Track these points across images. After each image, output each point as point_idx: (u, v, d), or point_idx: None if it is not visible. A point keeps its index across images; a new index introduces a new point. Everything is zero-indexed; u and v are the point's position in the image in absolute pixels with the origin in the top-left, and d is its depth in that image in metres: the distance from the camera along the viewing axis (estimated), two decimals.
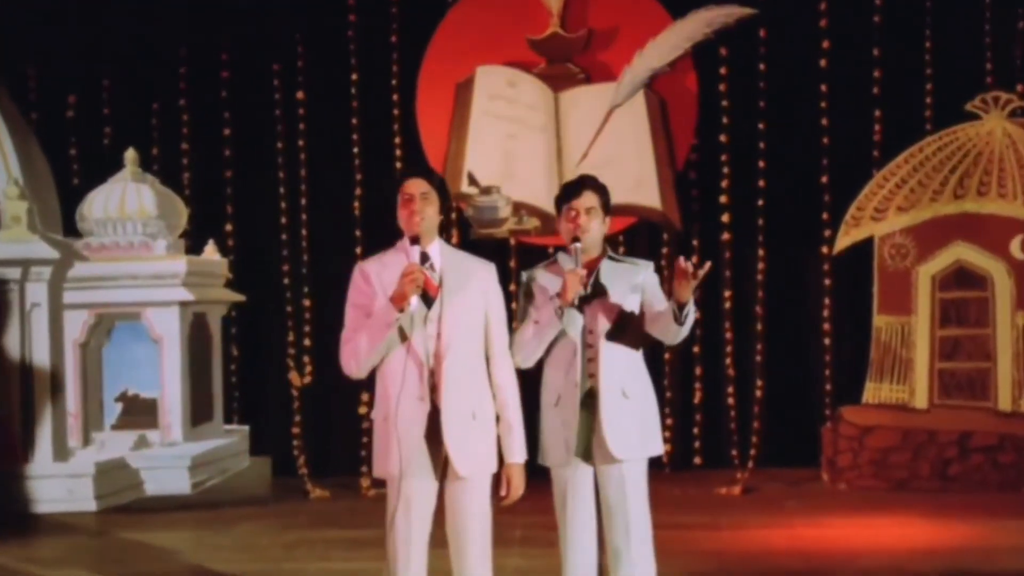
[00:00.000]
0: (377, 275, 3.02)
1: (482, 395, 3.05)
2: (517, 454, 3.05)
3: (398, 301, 2.92)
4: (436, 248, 3.06)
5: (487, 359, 3.07)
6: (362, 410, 6.99)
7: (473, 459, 2.99)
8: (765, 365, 7.33)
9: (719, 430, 7.43)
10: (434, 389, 2.97)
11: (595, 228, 3.24)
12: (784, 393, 7.36)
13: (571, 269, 3.15)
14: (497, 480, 3.05)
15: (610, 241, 3.42)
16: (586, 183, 3.29)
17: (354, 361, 3.01)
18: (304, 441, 7.22)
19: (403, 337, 2.97)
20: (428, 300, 2.98)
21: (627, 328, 3.23)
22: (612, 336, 3.20)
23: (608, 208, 3.30)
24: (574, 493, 3.21)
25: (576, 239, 3.18)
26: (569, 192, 3.28)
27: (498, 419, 3.07)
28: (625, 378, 3.21)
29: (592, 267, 3.24)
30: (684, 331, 3.15)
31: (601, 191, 3.29)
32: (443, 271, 3.05)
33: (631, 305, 3.23)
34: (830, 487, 6.75)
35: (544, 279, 3.26)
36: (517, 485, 3.04)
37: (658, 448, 3.29)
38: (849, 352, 7.28)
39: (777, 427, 7.27)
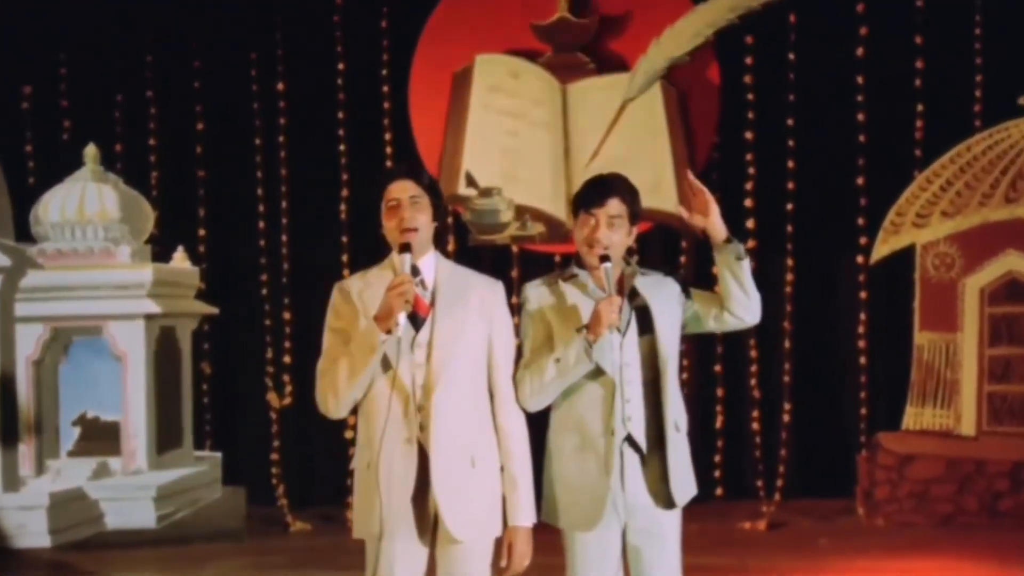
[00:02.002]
0: (359, 295, 2.80)
1: (483, 437, 2.79)
2: (524, 515, 2.79)
3: (384, 319, 2.68)
4: (430, 261, 2.84)
5: (491, 396, 2.83)
6: (348, 434, 6.89)
7: (471, 519, 2.73)
8: (793, 387, 7.28)
9: (743, 458, 7.38)
10: (423, 429, 2.72)
11: (618, 243, 2.98)
12: (815, 418, 7.30)
13: (603, 297, 2.88)
14: (499, 545, 2.78)
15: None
16: (614, 188, 3.00)
17: (332, 396, 2.76)
18: (283, 469, 7.20)
19: (387, 366, 2.73)
20: (417, 321, 2.75)
21: (670, 356, 2.98)
22: (658, 369, 2.95)
23: (636, 216, 3.03)
24: (598, 562, 2.91)
25: (605, 258, 2.91)
26: (591, 196, 3.00)
27: (503, 471, 2.80)
28: (670, 415, 2.96)
29: (622, 286, 2.98)
30: (751, 280, 2.96)
31: (630, 197, 3.01)
32: (437, 288, 2.81)
33: (676, 325, 3.00)
34: (866, 522, 6.71)
35: (562, 295, 2.97)
36: (523, 553, 2.77)
37: (694, 488, 3.05)
38: (887, 373, 7.25)
39: (807, 455, 7.23)
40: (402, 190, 2.81)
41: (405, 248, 2.76)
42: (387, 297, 2.69)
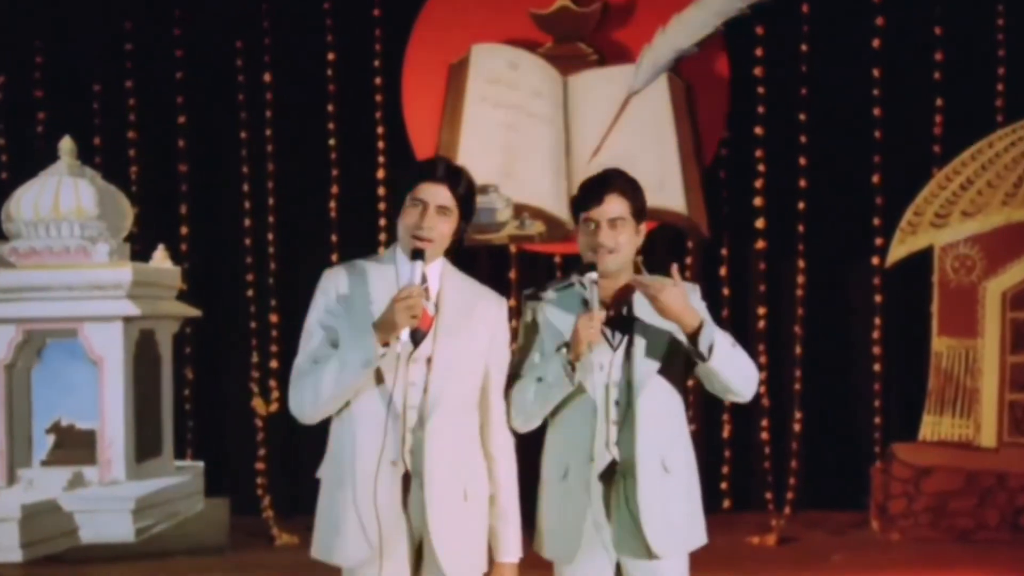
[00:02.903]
0: (353, 288, 2.66)
1: (476, 468, 2.68)
2: (511, 551, 2.70)
3: (385, 331, 2.54)
4: (436, 268, 2.70)
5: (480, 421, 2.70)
6: None
7: (462, 554, 2.61)
8: (804, 394, 7.23)
9: (751, 469, 7.35)
10: (413, 453, 2.59)
11: (624, 245, 2.83)
12: (827, 427, 7.27)
13: (584, 313, 2.73)
14: None
15: None
16: (609, 183, 2.85)
17: (309, 402, 2.62)
18: (269, 479, 7.18)
19: (377, 378, 2.60)
20: (416, 333, 2.61)
21: (669, 378, 2.83)
22: (650, 390, 2.80)
23: (642, 214, 2.88)
24: None
25: (591, 266, 2.76)
26: (587, 197, 2.85)
27: (490, 502, 2.69)
28: (665, 446, 2.80)
29: (620, 298, 2.84)
30: (732, 373, 2.75)
31: (632, 193, 2.87)
32: (441, 299, 2.68)
33: (674, 345, 2.81)
34: (880, 537, 6.68)
35: (554, 311, 2.84)
36: None
37: (702, 537, 2.89)
38: (903, 381, 7.20)
39: (818, 467, 7.20)
40: (433, 194, 2.65)
41: (418, 255, 2.61)
42: (393, 309, 2.54)
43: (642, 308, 2.83)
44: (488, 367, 2.72)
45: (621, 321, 2.83)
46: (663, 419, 2.81)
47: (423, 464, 2.60)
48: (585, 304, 2.79)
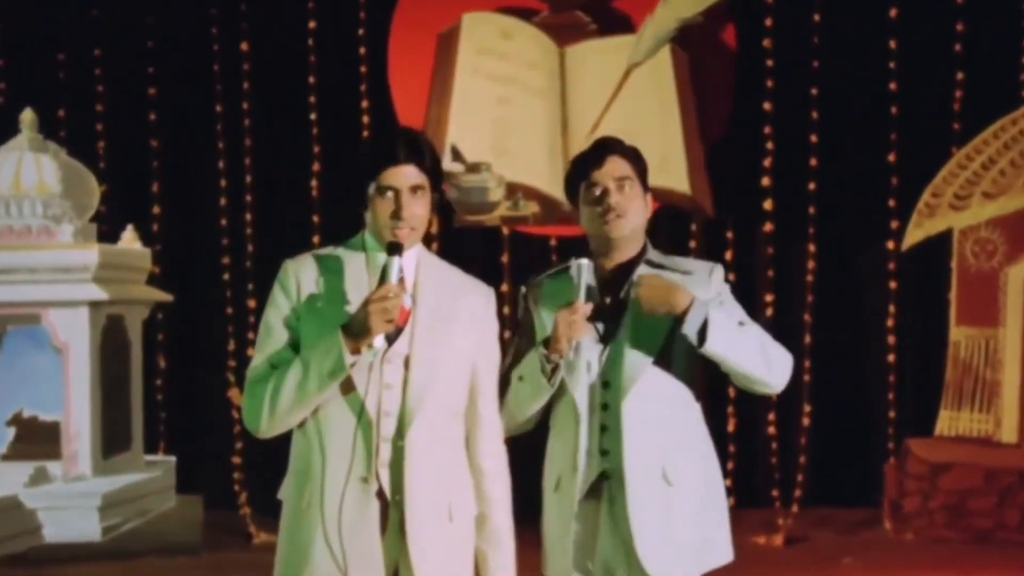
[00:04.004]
0: (318, 282, 2.48)
1: (462, 483, 2.50)
2: None
3: (355, 337, 2.36)
4: (412, 257, 2.52)
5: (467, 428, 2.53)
6: None
7: None
8: (814, 386, 7.18)
9: (757, 464, 7.34)
10: (391, 468, 2.41)
11: (633, 210, 2.68)
12: (837, 421, 7.22)
13: (565, 306, 2.56)
14: None
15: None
16: (608, 146, 2.73)
17: (268, 414, 2.43)
18: (246, 474, 7.14)
19: (349, 385, 2.41)
20: (391, 333, 2.42)
21: (673, 373, 2.66)
22: (642, 389, 2.61)
23: (646, 181, 2.75)
24: None
25: (588, 250, 2.63)
26: (585, 162, 2.71)
27: (478, 522, 2.51)
28: (668, 453, 2.61)
29: (621, 279, 2.68)
30: (741, 358, 2.57)
31: (634, 157, 2.73)
32: (418, 290, 2.50)
33: (679, 339, 2.61)
34: (894, 537, 6.67)
35: (545, 301, 2.69)
36: None
37: (725, 554, 2.71)
38: (919, 372, 7.20)
39: (828, 463, 7.16)
40: (402, 178, 2.47)
41: (395, 249, 2.42)
42: (366, 312, 2.36)
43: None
44: (475, 367, 2.53)
45: (618, 308, 2.67)
46: (661, 423, 2.62)
47: (401, 480, 2.42)
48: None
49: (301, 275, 2.50)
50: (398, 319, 2.40)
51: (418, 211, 2.48)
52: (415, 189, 2.48)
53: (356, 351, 2.37)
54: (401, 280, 2.44)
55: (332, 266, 2.51)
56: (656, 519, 2.59)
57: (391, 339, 2.43)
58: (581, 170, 2.73)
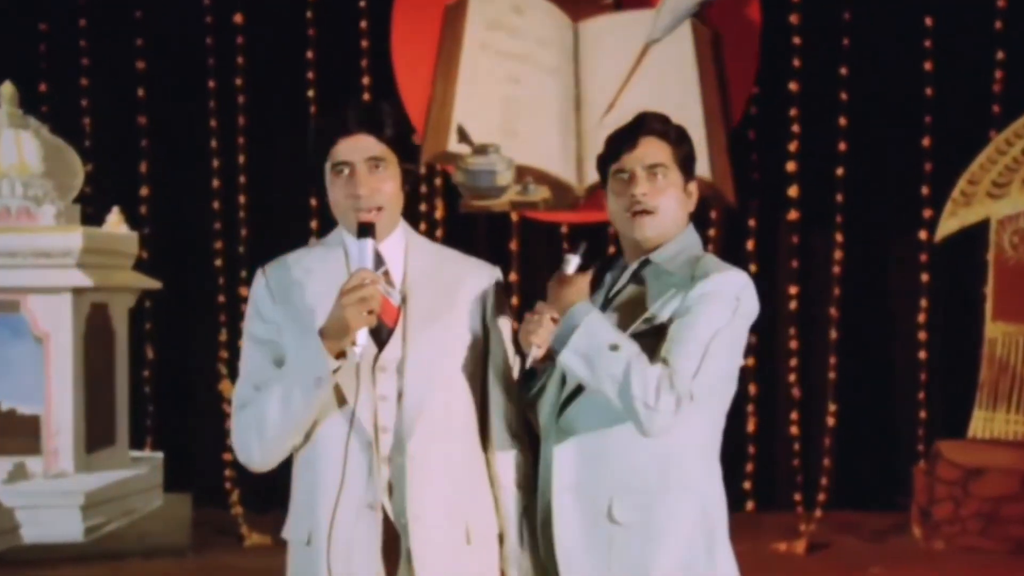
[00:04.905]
0: (293, 287, 2.29)
1: (479, 498, 2.31)
2: None
3: (335, 337, 2.17)
4: (397, 242, 2.32)
5: (483, 435, 2.34)
6: None
7: None
8: (840, 384, 7.16)
9: (778, 467, 7.35)
10: (392, 490, 2.24)
11: (666, 209, 2.42)
12: (864, 421, 7.20)
13: (537, 309, 2.33)
14: None
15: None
16: (646, 124, 2.44)
17: (257, 441, 2.27)
18: (238, 471, 7.03)
19: (340, 398, 2.24)
20: (381, 333, 2.25)
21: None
22: (591, 411, 2.34)
23: (690, 168, 2.48)
24: None
25: (579, 246, 2.38)
26: (619, 141, 2.45)
27: (501, 540, 2.33)
28: (624, 479, 2.33)
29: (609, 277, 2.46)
30: (602, 383, 2.29)
31: (676, 138, 2.46)
32: (408, 282, 2.30)
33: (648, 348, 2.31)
34: (923, 546, 6.61)
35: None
36: None
37: None
38: (952, 370, 7.16)
39: (854, 465, 7.16)
40: (355, 150, 2.26)
41: (366, 231, 2.23)
42: (341, 305, 2.17)
43: (627, 295, 2.42)
44: (489, 361, 2.35)
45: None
46: (621, 443, 2.35)
47: (404, 503, 2.24)
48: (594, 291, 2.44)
49: (276, 282, 2.32)
50: (385, 314, 2.22)
51: (380, 186, 2.27)
52: (374, 162, 2.26)
53: (340, 355, 2.19)
54: (385, 273, 2.26)
55: (310, 267, 2.32)
56: (582, 566, 2.39)
57: (381, 342, 2.25)
58: (611, 151, 2.47)
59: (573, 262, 2.37)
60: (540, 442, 2.44)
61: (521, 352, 2.43)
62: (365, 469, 2.23)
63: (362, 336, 2.18)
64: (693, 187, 2.50)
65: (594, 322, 2.29)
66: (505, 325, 2.39)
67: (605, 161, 2.50)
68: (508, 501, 2.34)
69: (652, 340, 2.32)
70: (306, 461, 2.29)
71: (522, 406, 2.42)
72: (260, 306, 2.31)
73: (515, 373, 2.40)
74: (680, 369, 2.27)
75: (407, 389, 2.24)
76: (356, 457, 2.22)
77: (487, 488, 2.34)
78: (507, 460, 2.36)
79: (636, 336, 2.33)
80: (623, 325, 2.35)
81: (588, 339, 2.27)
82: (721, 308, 2.34)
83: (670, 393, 2.25)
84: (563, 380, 2.38)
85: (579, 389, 2.35)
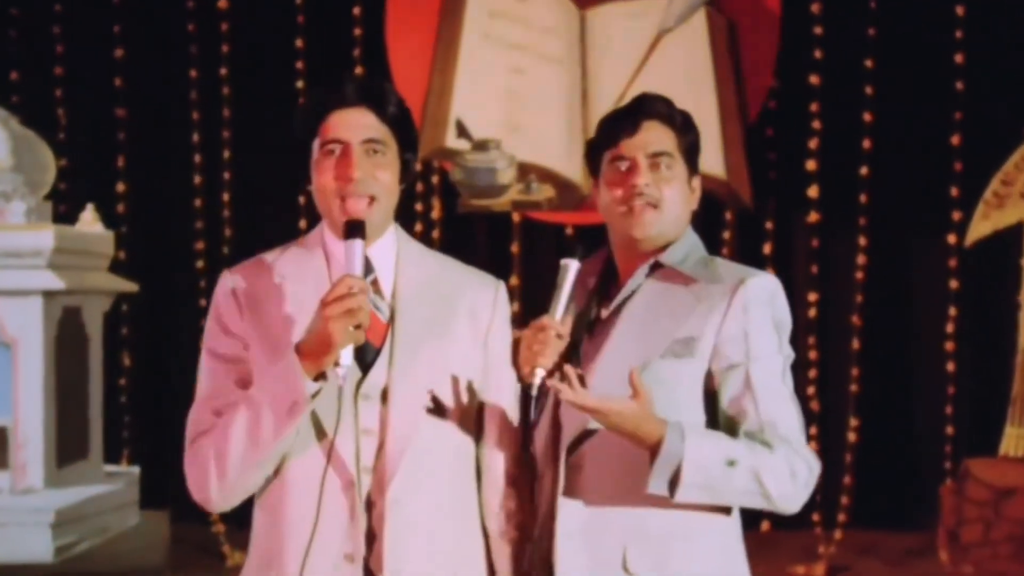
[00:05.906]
0: (264, 295, 2.07)
1: (470, 544, 2.10)
2: None
3: (316, 355, 1.94)
4: (387, 247, 2.11)
5: (478, 468, 2.12)
6: None
7: None
8: (862, 398, 7.14)
9: None
10: (375, 538, 2.02)
11: (670, 203, 2.22)
12: (887, 437, 7.18)
13: (534, 324, 2.12)
14: None
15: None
16: (648, 107, 2.25)
17: (216, 475, 2.02)
18: None
19: (317, 429, 2.02)
20: (366, 352, 2.02)
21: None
22: (603, 448, 2.14)
23: (694, 159, 2.29)
24: None
25: (575, 249, 2.24)
26: (616, 124, 2.26)
27: None
28: (642, 526, 2.14)
29: (611, 290, 2.27)
30: (732, 499, 2.16)
31: (681, 124, 2.28)
32: (399, 296, 2.08)
33: (670, 388, 2.15)
34: (951, 570, 6.55)
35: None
36: None
37: None
38: (982, 383, 7.11)
39: (877, 482, 7.09)
40: (352, 128, 2.05)
41: (354, 230, 1.99)
42: (323, 317, 1.93)
43: (632, 312, 2.22)
44: (487, 386, 2.13)
45: (604, 327, 2.23)
46: (626, 494, 2.19)
47: (382, 553, 2.01)
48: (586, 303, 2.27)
49: (240, 290, 2.08)
50: (372, 331, 1.99)
51: (379, 174, 2.05)
52: (372, 145, 2.04)
53: (319, 376, 1.96)
54: (375, 283, 2.04)
55: (285, 271, 2.08)
56: None
57: (366, 363, 2.03)
58: (608, 136, 2.27)
59: (564, 297, 2.17)
60: (537, 480, 2.25)
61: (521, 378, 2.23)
62: (345, 514, 2.00)
63: (346, 356, 1.95)
64: (697, 182, 2.32)
65: (694, 447, 2.09)
66: (507, 350, 2.17)
67: (598, 147, 2.30)
68: (501, 552, 2.14)
69: (696, 365, 2.16)
70: (272, 502, 2.05)
71: (521, 443, 2.20)
72: (224, 316, 2.08)
73: (515, 405, 2.18)
74: (794, 440, 2.20)
75: (391, 422, 2.02)
76: (334, 499, 1.99)
77: (478, 537, 2.13)
78: (501, 507, 2.15)
79: (674, 357, 2.16)
80: (647, 340, 2.17)
81: (703, 473, 2.10)
82: (778, 337, 2.26)
83: (805, 471, 2.19)
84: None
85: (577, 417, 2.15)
